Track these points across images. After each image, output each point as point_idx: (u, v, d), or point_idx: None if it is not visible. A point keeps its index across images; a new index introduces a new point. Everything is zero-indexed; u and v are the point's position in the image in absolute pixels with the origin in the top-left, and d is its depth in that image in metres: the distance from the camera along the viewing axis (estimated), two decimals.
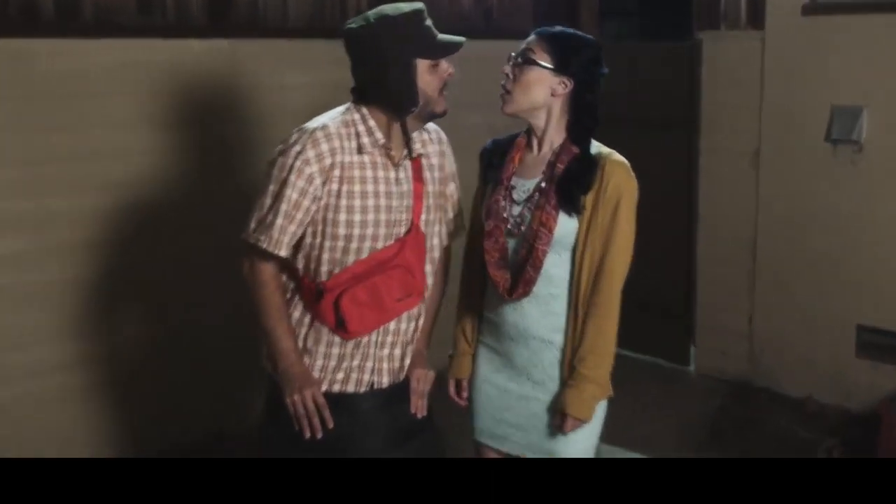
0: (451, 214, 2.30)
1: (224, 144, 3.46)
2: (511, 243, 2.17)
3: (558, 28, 2.17)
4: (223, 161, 3.50)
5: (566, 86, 2.12)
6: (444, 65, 2.07)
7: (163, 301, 3.40)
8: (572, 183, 2.09)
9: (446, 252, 2.33)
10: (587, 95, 2.14)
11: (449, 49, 2.07)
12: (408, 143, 2.11)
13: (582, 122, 2.14)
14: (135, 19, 3.21)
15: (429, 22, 2.06)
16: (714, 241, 4.28)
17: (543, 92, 2.12)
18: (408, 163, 2.13)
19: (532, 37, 2.15)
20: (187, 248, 3.41)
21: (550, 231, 2.09)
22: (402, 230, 2.11)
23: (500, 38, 4.01)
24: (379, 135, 2.06)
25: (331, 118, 2.09)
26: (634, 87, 4.20)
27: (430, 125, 2.19)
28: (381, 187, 2.07)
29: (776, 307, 4.10)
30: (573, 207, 2.08)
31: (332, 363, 2.16)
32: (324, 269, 2.09)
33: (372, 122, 2.07)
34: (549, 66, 2.11)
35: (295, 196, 2.01)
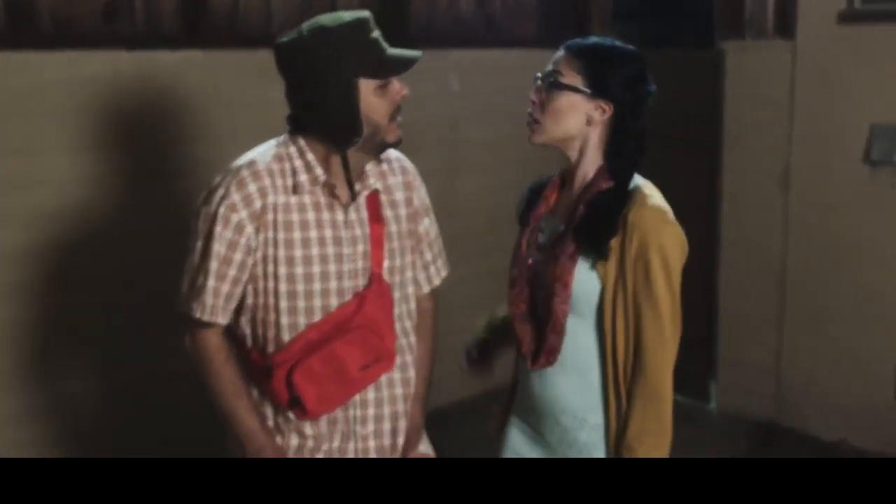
0: (428, 256, 2.02)
1: (199, 168, 3.19)
2: (538, 296, 1.89)
3: (592, 40, 1.87)
4: (198, 187, 3.15)
5: (605, 111, 1.81)
6: (396, 85, 1.79)
7: (119, 347, 3.11)
8: (591, 226, 1.77)
9: (430, 301, 2.05)
10: (631, 121, 1.82)
11: (399, 66, 1.79)
12: (349, 179, 1.82)
13: (623, 154, 1.83)
14: (98, 28, 2.98)
15: (376, 34, 1.78)
16: (738, 270, 4.06)
17: (577, 120, 1.82)
18: (362, 201, 1.85)
19: (560, 53, 1.85)
20: (154, 287, 3.04)
21: (566, 286, 1.78)
22: (361, 282, 1.84)
23: (503, 47, 3.98)
24: (319, 171, 1.80)
25: (260, 153, 1.83)
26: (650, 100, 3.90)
27: (392, 153, 1.93)
28: (327, 233, 1.81)
29: (807, 342, 3.89)
30: (591, 259, 1.77)
31: (310, 444, 1.87)
32: (271, 335, 1.81)
33: (310, 156, 1.81)
34: (582, 88, 1.80)
35: (223, 250, 1.77)
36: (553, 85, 1.81)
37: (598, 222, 1.77)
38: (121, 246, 3.04)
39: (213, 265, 1.77)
